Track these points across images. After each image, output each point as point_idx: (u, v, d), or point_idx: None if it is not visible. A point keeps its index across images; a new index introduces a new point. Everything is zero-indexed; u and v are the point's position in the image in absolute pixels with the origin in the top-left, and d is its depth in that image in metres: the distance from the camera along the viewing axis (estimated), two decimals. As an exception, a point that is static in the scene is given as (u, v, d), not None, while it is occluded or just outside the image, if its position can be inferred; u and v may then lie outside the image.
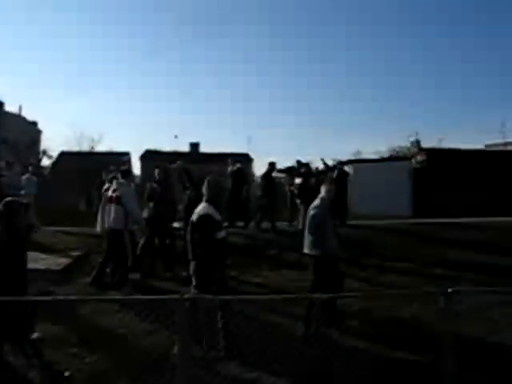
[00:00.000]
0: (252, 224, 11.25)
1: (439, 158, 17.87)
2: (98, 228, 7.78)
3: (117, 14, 72.50)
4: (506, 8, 63.89)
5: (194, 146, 40.73)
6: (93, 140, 36.97)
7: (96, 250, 9.12)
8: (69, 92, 71.79)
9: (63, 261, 8.64)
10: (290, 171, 12.50)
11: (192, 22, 74.55)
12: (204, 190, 5.35)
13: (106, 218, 7.56)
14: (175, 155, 28.17)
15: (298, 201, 10.96)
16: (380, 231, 10.92)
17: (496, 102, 63.65)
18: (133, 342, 5.37)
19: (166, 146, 41.53)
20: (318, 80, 74.54)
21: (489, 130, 68.06)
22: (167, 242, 8.44)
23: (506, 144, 30.81)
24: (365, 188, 14.45)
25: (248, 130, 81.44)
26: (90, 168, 20.83)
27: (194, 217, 5.19)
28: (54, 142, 74.80)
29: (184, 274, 7.79)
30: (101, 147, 37.05)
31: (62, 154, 35.02)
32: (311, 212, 6.04)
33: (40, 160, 35.60)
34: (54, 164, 33.67)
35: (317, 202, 6.11)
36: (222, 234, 5.18)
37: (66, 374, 4.41)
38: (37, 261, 7.90)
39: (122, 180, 7.70)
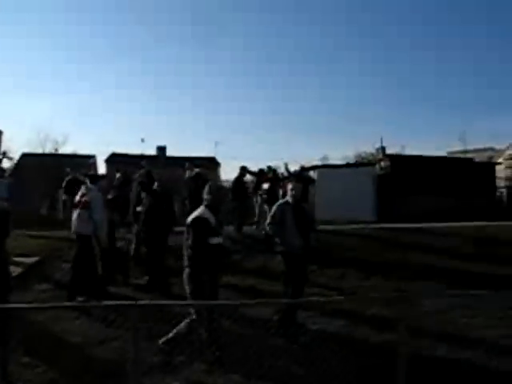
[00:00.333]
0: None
1: (402, 164, 18.29)
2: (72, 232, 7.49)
3: (77, 13, 70.87)
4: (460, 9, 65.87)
5: (161, 149, 40.33)
6: (57, 142, 36.22)
7: (56, 255, 8.96)
8: (31, 94, 69.89)
9: (19, 267, 8.35)
10: (259, 174, 12.50)
11: (156, 21, 73.45)
12: (204, 194, 5.12)
13: (73, 223, 7.31)
14: (142, 158, 27.87)
15: (266, 206, 11.02)
16: (343, 236, 11.04)
17: (456, 110, 65.47)
18: (87, 350, 5.25)
19: (133, 149, 40.99)
20: (289, 82, 74.83)
21: (449, 138, 70.21)
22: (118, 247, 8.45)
23: (465, 152, 31.86)
24: (329, 193, 14.62)
25: (215, 133, 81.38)
26: (53, 170, 20.37)
27: (189, 219, 4.99)
28: (15, 143, 72.76)
29: (144, 279, 7.89)
30: (65, 149, 36.33)
31: (24, 156, 34.11)
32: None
33: (0, 162, 34.61)
34: (16, 166, 32.77)
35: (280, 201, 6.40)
36: (217, 239, 4.93)
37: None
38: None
39: (90, 185, 7.50)
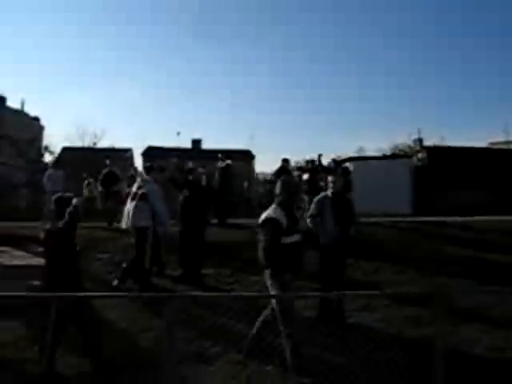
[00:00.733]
0: None
1: (441, 155, 17.80)
2: (124, 225, 7.55)
3: (120, 13, 72.47)
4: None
5: (196, 142, 40.73)
6: (95, 136, 37.01)
7: (92, 246, 9.16)
8: (71, 89, 71.79)
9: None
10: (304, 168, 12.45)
11: (199, 21, 74.02)
12: (276, 190, 4.96)
13: (129, 216, 7.29)
14: (177, 152, 28.18)
15: (306, 196, 10.96)
16: (378, 229, 10.87)
17: (498, 101, 63.53)
18: (129, 338, 5.43)
19: (169, 143, 41.45)
20: (322, 80, 74.56)
21: (492, 129, 68.08)
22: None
23: (508, 142, 30.68)
24: (364, 186, 14.40)
25: (251, 127, 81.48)
26: (91, 164, 20.85)
27: (260, 219, 4.83)
28: (57, 138, 74.76)
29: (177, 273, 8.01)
30: (103, 143, 37.10)
31: (65, 150, 35.05)
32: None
33: (42, 156, 35.68)
34: (57, 159, 33.69)
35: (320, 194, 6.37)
36: (291, 238, 4.67)
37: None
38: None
39: (146, 176, 7.55)
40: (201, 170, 10.57)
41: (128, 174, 12.80)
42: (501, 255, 8.86)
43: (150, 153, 35.26)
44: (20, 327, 5.69)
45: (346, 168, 12.54)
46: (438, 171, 16.87)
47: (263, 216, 4.79)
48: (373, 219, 11.90)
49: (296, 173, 13.81)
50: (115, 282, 7.23)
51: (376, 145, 74.52)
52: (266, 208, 5.03)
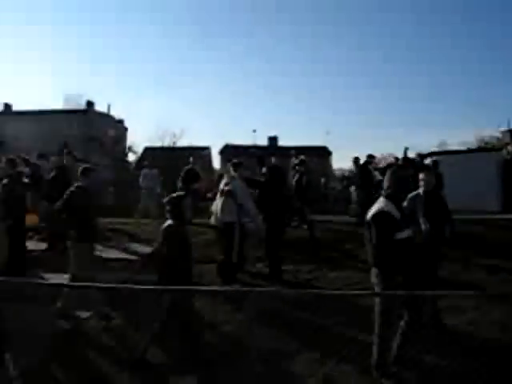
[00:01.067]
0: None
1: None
2: (213, 220, 7.77)
3: (201, 12, 74.51)
4: None
5: (273, 139, 40.93)
6: (174, 135, 38.20)
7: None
8: (153, 91, 74.75)
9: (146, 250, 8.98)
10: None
11: (278, 20, 74.49)
12: (385, 182, 4.65)
13: (218, 211, 7.47)
14: (254, 149, 28.49)
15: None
16: (464, 225, 10.30)
17: None
18: (210, 332, 5.55)
19: (245, 141, 41.99)
20: (394, 79, 72.13)
21: None
22: None
23: None
24: (448, 181, 13.73)
25: (327, 123, 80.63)
26: (172, 163, 21.55)
27: (368, 215, 4.49)
28: (139, 138, 78.18)
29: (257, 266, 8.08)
30: (182, 142, 38.23)
31: (146, 150, 36.58)
32: None
33: (126, 156, 37.47)
34: (139, 159, 35.24)
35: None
36: (404, 233, 4.35)
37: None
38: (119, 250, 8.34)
39: (233, 173, 7.66)
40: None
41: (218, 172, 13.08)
42: None
43: (228, 151, 35.90)
44: (119, 316, 5.98)
45: (435, 161, 11.94)
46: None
47: (373, 209, 4.44)
48: (460, 216, 11.31)
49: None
50: None
51: (459, 138, 71.07)
52: (343, 204, 4.88)
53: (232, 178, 7.53)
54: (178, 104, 69.72)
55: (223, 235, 7.45)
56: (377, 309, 4.31)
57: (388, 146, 70.81)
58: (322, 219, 10.98)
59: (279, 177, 8.15)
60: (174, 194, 5.21)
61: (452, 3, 69.58)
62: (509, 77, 66.66)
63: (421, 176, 5.98)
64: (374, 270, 4.43)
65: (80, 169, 6.46)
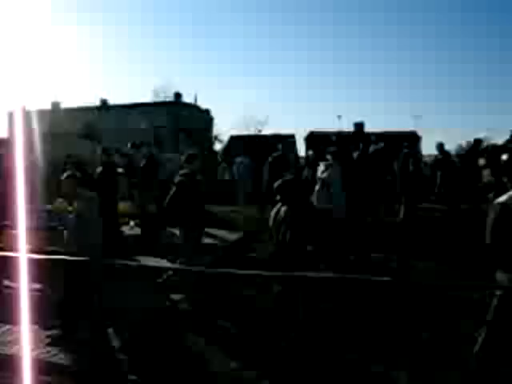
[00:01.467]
0: None
1: None
2: None
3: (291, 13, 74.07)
4: None
5: (359, 125, 39.88)
6: (260, 123, 38.52)
7: (260, 230, 9.52)
8: (238, 80, 75.76)
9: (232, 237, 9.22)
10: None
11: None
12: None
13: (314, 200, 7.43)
14: (339, 136, 27.84)
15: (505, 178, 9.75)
16: None
17: None
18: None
19: (330, 127, 41.30)
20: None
21: None
22: None
23: None
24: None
25: (416, 108, 77.40)
26: (257, 150, 21.66)
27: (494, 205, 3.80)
28: (225, 127, 79.72)
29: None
30: (267, 130, 38.44)
31: (232, 138, 37.18)
32: None
33: (212, 144, 38.38)
34: (226, 148, 35.89)
35: None
36: None
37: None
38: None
39: (331, 161, 7.62)
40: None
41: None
42: None
43: (312, 137, 35.50)
44: (182, 301, 6.10)
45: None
46: None
47: (499, 200, 3.76)
48: None
49: None
50: None
51: None
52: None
53: (329, 166, 7.42)
54: (263, 92, 70.18)
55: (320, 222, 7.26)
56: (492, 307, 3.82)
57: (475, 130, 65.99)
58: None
59: (370, 163, 7.93)
60: (286, 179, 5.02)
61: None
62: None
63: None
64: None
65: (184, 156, 6.54)
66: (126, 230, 9.27)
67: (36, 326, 5.07)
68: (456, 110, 67.14)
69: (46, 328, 5.14)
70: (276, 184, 4.90)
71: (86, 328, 5.05)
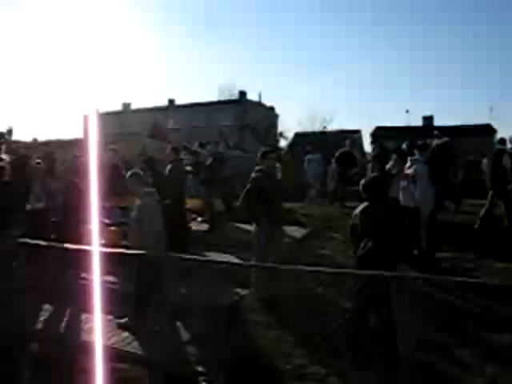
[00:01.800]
0: None
1: None
2: None
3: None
4: None
5: (428, 119, 38.49)
6: (325, 120, 38.15)
7: (326, 225, 9.46)
8: (303, 77, 75.47)
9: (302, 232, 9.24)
10: None
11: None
12: None
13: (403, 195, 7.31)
14: (407, 130, 27.14)
15: None
16: None
17: None
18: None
19: (397, 122, 40.26)
20: None
21: None
22: None
23: None
24: None
25: (492, 98, 73.65)
26: (321, 147, 21.51)
27: None
28: (290, 124, 79.67)
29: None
30: (332, 126, 38.00)
31: (297, 135, 37.17)
32: None
33: (277, 142, 38.48)
34: (290, 145, 35.93)
35: None
36: None
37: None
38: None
39: (417, 156, 7.44)
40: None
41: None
42: None
43: (379, 133, 34.75)
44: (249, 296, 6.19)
45: None
46: None
47: None
48: None
49: None
50: None
51: None
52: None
53: (415, 161, 7.26)
54: (328, 89, 69.46)
55: (408, 220, 6.97)
56: None
57: None
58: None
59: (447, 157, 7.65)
60: (375, 176, 4.87)
61: None
62: None
63: None
64: None
65: (260, 152, 6.51)
66: (194, 226, 9.52)
67: (111, 316, 5.35)
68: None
69: (120, 318, 5.41)
70: (364, 181, 4.76)
71: (157, 320, 5.26)
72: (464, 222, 8.86)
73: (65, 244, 5.11)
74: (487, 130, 34.61)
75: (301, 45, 74.11)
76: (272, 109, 44.10)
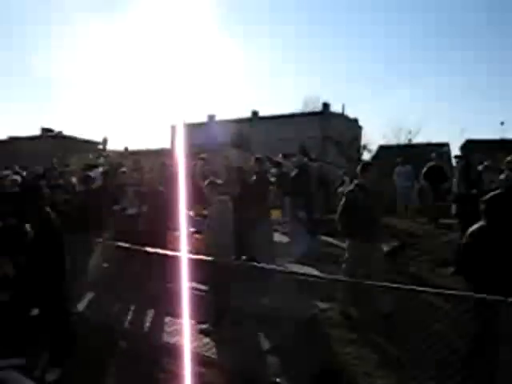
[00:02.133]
0: None
1: None
2: None
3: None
4: None
5: (524, 132, 36.09)
6: (410, 132, 36.93)
7: (411, 242, 9.11)
8: (384, 90, 73.74)
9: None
10: None
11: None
12: None
13: None
14: (500, 144, 25.56)
15: None
16: None
17: None
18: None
19: (490, 135, 38.07)
20: None
21: None
22: None
23: None
24: None
25: None
26: (409, 160, 20.87)
27: None
28: (374, 136, 78.04)
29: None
30: (419, 139, 36.70)
31: (381, 148, 36.28)
32: None
33: (361, 155, 37.80)
34: (374, 158, 35.14)
35: None
36: None
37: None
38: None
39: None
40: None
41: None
42: None
43: (469, 146, 33.05)
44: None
45: None
46: None
47: None
48: None
49: None
50: None
51: None
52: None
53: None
54: (413, 101, 67.14)
55: None
56: None
57: None
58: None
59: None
60: (496, 193, 4.47)
61: None
62: None
63: None
64: None
65: (360, 166, 6.33)
66: (275, 236, 9.54)
67: (193, 321, 5.51)
68: None
69: (202, 323, 5.56)
70: (485, 199, 4.33)
71: (238, 327, 5.35)
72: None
73: (155, 249, 5.39)
74: None
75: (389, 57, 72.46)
76: (356, 121, 43.47)
